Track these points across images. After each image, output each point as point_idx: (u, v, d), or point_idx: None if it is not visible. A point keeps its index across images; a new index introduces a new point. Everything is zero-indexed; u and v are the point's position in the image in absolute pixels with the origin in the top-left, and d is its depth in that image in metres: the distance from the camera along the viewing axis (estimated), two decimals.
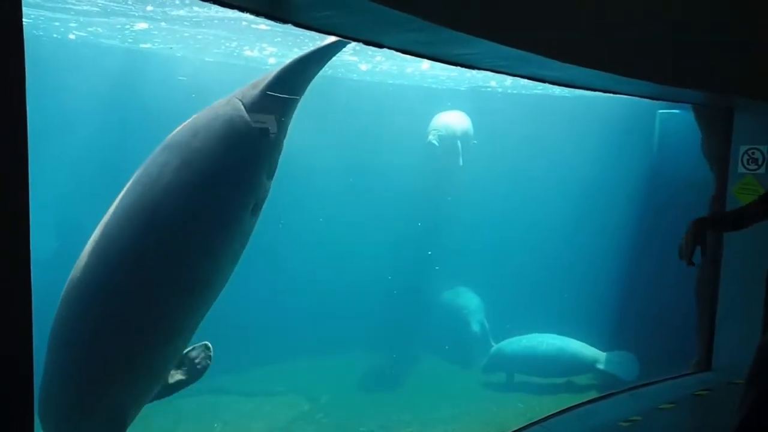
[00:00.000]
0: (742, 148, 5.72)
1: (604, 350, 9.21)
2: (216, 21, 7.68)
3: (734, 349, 5.76)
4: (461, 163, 10.63)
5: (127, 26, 8.24)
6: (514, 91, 11.92)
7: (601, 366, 9.00)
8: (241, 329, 9.12)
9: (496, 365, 9.28)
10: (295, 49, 9.45)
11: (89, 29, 8.62)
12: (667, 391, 5.44)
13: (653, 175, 9.39)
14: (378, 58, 9.78)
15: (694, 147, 6.44)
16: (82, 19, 8.05)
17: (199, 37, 8.64)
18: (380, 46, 3.43)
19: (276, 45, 8.98)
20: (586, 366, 9.08)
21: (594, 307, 9.55)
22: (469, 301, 10.56)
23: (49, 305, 4.18)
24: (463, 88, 12.22)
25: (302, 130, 11.14)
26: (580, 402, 5.26)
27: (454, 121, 10.77)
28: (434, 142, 10.33)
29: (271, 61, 10.13)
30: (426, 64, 9.66)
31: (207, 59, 9.97)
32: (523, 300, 10.31)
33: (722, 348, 5.93)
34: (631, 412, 4.91)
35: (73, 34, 8.84)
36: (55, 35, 8.91)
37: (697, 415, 5.17)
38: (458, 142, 10.63)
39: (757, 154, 5.63)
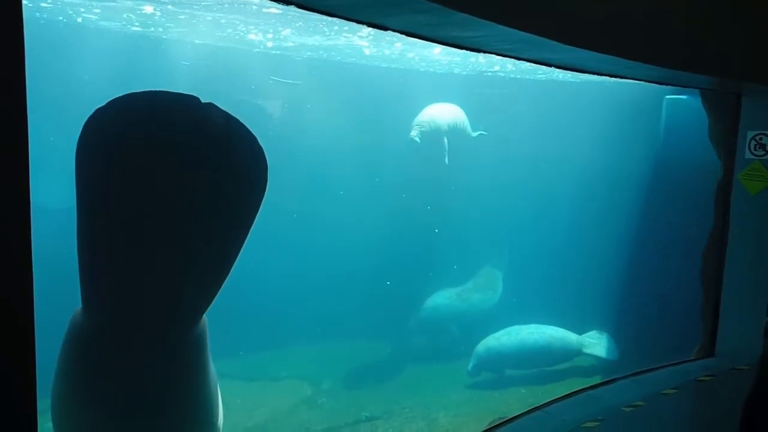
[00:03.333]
0: (750, 134, 5.67)
1: (581, 334, 9.28)
2: (226, 5, 7.59)
3: (738, 335, 5.75)
4: (447, 161, 10.12)
5: (135, 10, 8.17)
6: (518, 76, 11.82)
7: (587, 350, 9.09)
8: (244, 314, 9.16)
9: (485, 365, 8.91)
10: (316, 36, 9.37)
11: (95, 12, 8.55)
12: (670, 377, 5.44)
13: (660, 161, 9.33)
14: (398, 45, 9.63)
15: (702, 133, 6.38)
16: (96, 3, 7.98)
17: (223, 22, 8.54)
18: (384, 28, 3.38)
19: (295, 30, 8.88)
20: (574, 352, 9.11)
21: (595, 294, 9.55)
22: (442, 303, 10.09)
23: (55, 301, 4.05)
24: (465, 74, 12.11)
25: (304, 121, 11.12)
26: (583, 387, 5.28)
27: (441, 115, 10.23)
28: (416, 139, 9.81)
29: (269, 45, 10.03)
30: (437, 49, 9.53)
31: (210, 43, 9.89)
32: (523, 289, 10.30)
33: (726, 334, 5.92)
34: (634, 397, 4.92)
35: (81, 17, 8.77)
36: (60, 17, 8.84)
37: (699, 400, 5.18)
38: (444, 138, 10.11)
39: (765, 140, 5.57)
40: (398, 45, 9.58)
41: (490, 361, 8.91)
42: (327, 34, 9.03)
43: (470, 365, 8.91)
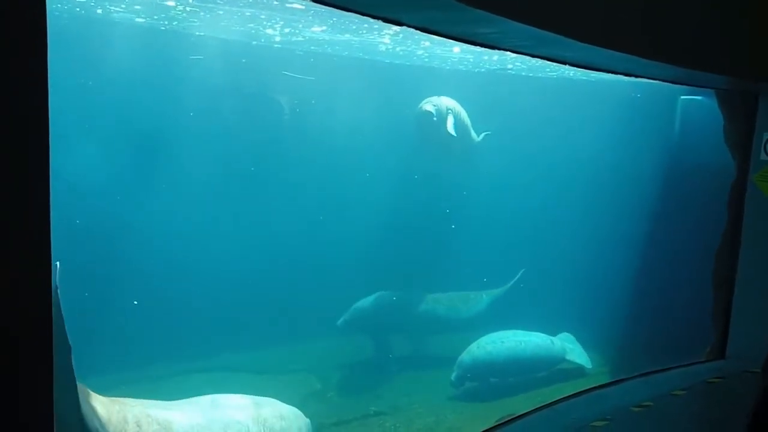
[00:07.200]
0: (766, 136, 5.61)
1: (557, 337, 9.15)
2: (251, 0, 7.64)
3: (748, 337, 5.71)
4: (455, 133, 10.05)
5: (156, 3, 8.24)
6: (531, 74, 11.76)
7: (568, 356, 8.91)
8: (256, 310, 9.23)
9: (470, 375, 8.44)
10: (346, 35, 9.38)
11: (115, 6, 8.63)
12: (680, 378, 5.42)
13: (673, 162, 9.26)
14: (426, 44, 9.60)
15: (716, 134, 6.34)
16: None
17: (262, 17, 8.59)
18: (399, 23, 3.39)
19: (329, 26, 8.90)
20: (558, 358, 8.90)
21: (603, 298, 9.48)
22: (366, 307, 9.55)
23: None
24: (477, 71, 12.08)
25: (313, 117, 11.12)
26: (593, 386, 5.28)
27: (443, 100, 10.26)
28: (431, 110, 9.74)
29: (277, 39, 10.07)
30: (456, 48, 9.50)
31: (224, 37, 9.95)
32: (523, 292, 10.22)
33: (737, 336, 5.88)
34: (643, 397, 4.91)
35: (100, 8, 8.86)
36: (78, 9, 8.92)
37: (708, 401, 5.16)
38: (451, 116, 10.14)
39: None
40: (426, 44, 9.54)
41: (477, 370, 8.44)
42: (356, 31, 9.06)
43: (453, 375, 8.41)
